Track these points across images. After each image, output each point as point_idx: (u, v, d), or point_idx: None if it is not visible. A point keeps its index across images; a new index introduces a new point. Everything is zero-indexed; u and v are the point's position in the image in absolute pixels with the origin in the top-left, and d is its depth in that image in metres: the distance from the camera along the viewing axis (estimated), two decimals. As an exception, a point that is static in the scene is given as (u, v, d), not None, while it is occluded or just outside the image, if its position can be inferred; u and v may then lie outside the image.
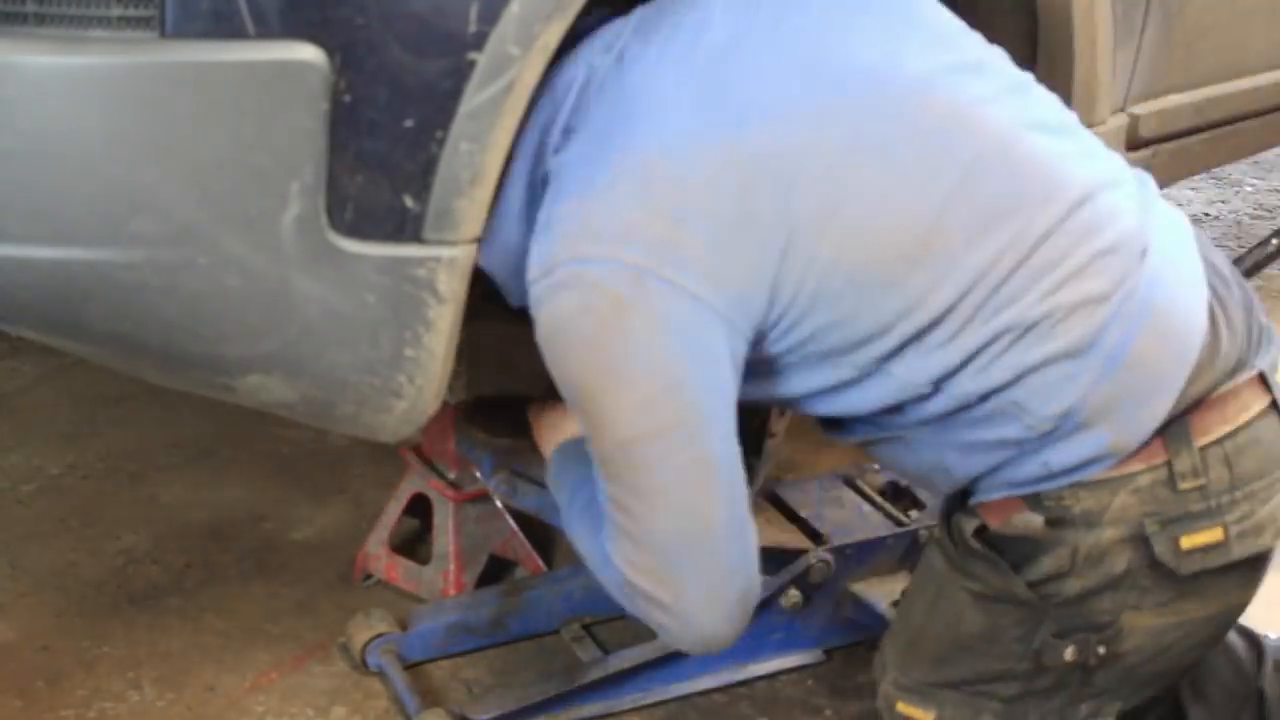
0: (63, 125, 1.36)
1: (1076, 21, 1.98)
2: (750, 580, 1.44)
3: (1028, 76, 1.51)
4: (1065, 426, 1.41)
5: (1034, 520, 1.45)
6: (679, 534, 1.37)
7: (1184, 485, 1.41)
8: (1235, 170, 5.15)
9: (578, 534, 1.56)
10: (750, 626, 2.15)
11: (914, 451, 1.51)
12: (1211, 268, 1.47)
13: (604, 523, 1.43)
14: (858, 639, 2.28)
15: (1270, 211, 4.81)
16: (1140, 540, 1.43)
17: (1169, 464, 1.41)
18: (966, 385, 1.40)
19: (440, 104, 1.39)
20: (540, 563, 2.45)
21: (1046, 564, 1.45)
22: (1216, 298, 1.45)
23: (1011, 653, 1.50)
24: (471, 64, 1.38)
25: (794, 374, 1.43)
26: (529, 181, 1.43)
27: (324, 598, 2.42)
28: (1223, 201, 4.94)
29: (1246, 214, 4.83)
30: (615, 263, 1.28)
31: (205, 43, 1.35)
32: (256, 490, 2.77)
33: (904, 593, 1.68)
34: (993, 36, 1.53)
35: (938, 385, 1.41)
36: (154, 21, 1.34)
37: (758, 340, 1.37)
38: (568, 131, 1.41)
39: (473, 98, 1.39)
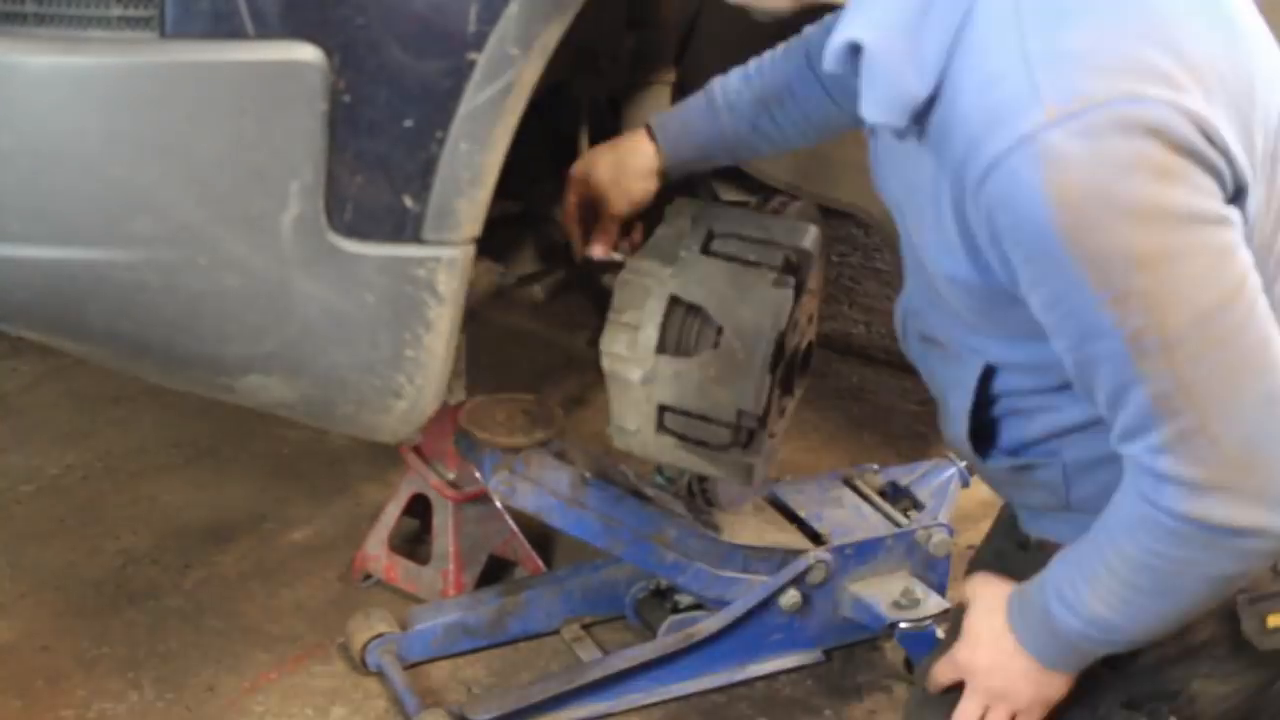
0: (63, 125, 1.36)
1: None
2: None
3: None
4: None
5: None
6: (1269, 401, 1.16)
7: None
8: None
9: (1129, 551, 1.28)
10: (749, 626, 2.16)
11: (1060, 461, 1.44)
12: None
13: (1147, 453, 1.20)
14: (858, 639, 2.28)
15: (1270, 212, 4.80)
16: (1228, 615, 1.38)
17: None
18: None
19: (440, 104, 1.39)
20: (540, 563, 2.45)
21: None
22: None
23: None
24: (471, 64, 1.38)
25: None
26: None
27: (324, 598, 2.42)
28: (1223, 202, 4.94)
29: (1246, 214, 4.82)
30: (1175, 107, 1.09)
31: (205, 43, 1.35)
32: (256, 490, 2.77)
33: (951, 628, 1.58)
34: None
35: None
36: (154, 21, 1.35)
37: None
38: None
39: (473, 98, 1.39)
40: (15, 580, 2.45)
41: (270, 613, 2.38)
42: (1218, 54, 1.16)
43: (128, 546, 2.56)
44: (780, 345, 1.80)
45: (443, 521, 2.34)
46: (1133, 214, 1.10)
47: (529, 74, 1.42)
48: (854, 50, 1.22)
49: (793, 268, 1.81)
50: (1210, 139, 1.11)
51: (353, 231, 1.43)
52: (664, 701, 2.17)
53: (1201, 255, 1.12)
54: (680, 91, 2.04)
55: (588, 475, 2.06)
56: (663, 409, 1.84)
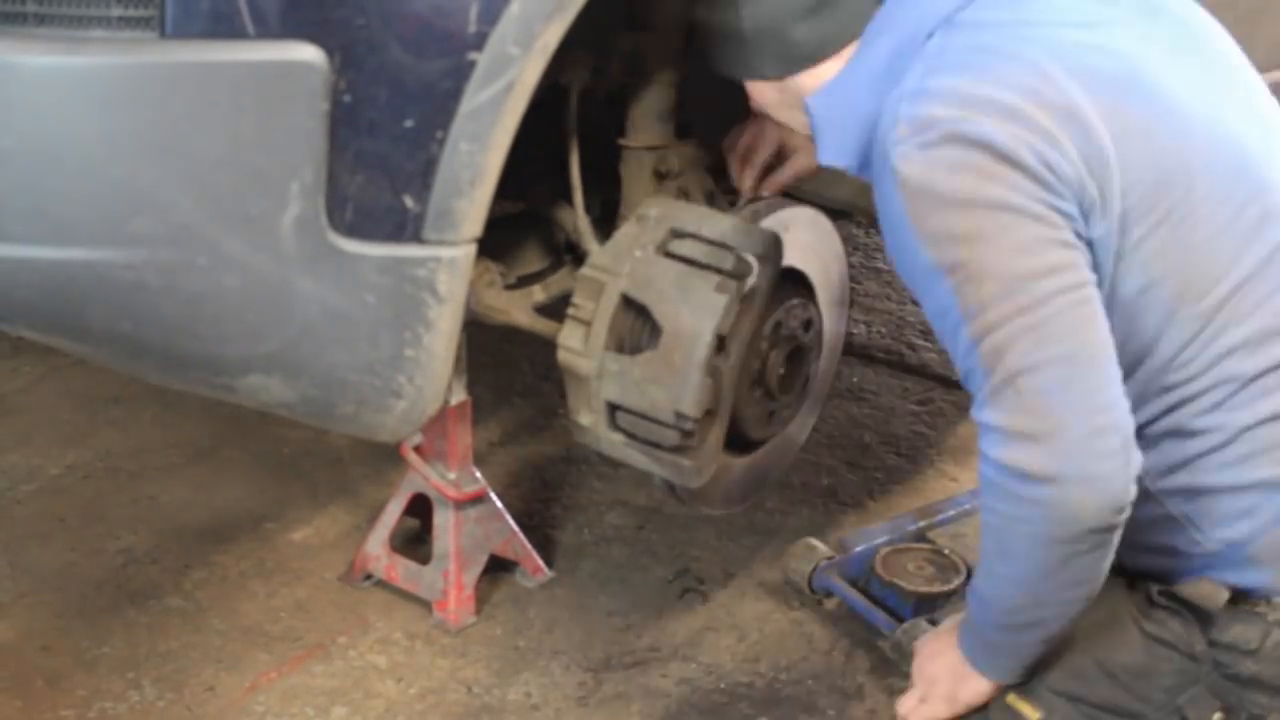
0: (63, 125, 1.36)
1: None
2: (1126, 420, 1.36)
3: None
4: (1232, 555, 1.42)
5: (1219, 595, 1.45)
6: (1067, 362, 1.33)
7: None
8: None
9: (1011, 571, 1.43)
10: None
11: None
12: None
13: (978, 408, 1.38)
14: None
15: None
16: None
17: None
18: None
19: (440, 104, 1.39)
20: (540, 563, 2.45)
21: (1234, 631, 1.45)
22: None
23: (1153, 699, 1.49)
24: (472, 64, 1.38)
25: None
26: (894, 54, 1.47)
27: (324, 598, 2.42)
28: (1223, 201, 4.93)
29: (1247, 214, 4.82)
30: (1000, 131, 1.33)
31: (205, 43, 1.35)
32: (256, 490, 2.77)
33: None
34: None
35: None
36: (154, 21, 1.35)
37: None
38: (949, 23, 1.45)
39: (473, 98, 1.39)
40: (15, 580, 2.45)
41: (270, 613, 2.38)
42: (1101, 107, 1.37)
43: (128, 546, 2.56)
44: (722, 346, 1.79)
45: (444, 521, 2.34)
46: (956, 202, 1.34)
47: (530, 74, 1.42)
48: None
49: (741, 272, 1.79)
50: (1041, 159, 1.32)
51: (353, 231, 1.43)
52: (664, 698, 2.17)
53: (1011, 237, 1.33)
54: (684, 91, 2.04)
55: None
56: (612, 406, 1.84)
